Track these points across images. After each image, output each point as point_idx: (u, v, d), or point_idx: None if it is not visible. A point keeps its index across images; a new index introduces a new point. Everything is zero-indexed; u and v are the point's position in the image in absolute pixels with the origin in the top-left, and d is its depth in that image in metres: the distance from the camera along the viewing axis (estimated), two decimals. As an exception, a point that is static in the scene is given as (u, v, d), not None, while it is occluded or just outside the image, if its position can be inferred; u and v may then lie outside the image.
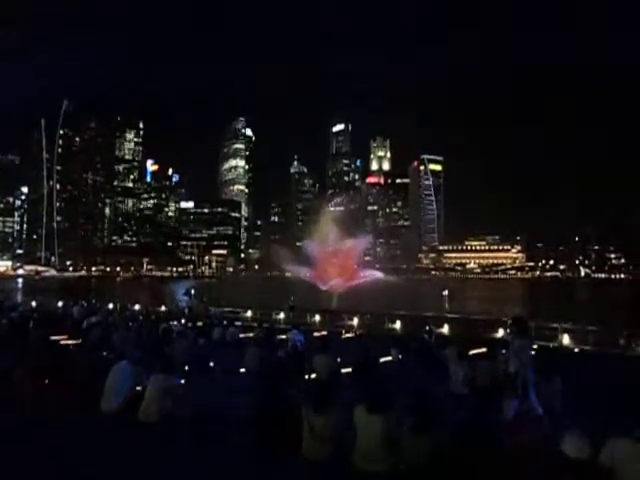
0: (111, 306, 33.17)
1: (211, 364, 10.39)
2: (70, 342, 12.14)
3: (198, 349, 12.19)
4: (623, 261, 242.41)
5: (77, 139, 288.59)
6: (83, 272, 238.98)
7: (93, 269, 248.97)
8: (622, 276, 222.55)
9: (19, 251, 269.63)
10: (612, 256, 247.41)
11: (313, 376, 9.89)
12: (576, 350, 17.81)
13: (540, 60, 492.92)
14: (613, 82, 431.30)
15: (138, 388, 7.21)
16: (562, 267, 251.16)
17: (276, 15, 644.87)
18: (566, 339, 18.86)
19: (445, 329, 22.51)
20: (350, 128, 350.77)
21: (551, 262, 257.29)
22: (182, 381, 7.26)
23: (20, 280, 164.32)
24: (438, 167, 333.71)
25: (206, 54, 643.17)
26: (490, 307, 53.72)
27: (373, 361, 11.11)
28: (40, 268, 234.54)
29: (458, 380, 9.57)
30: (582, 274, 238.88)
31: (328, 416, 5.54)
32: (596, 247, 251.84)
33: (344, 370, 10.50)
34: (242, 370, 10.76)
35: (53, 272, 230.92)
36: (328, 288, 47.29)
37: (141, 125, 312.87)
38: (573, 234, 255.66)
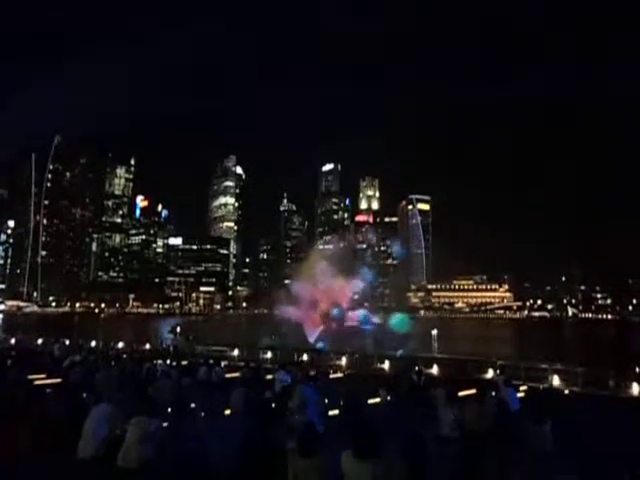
0: (94, 344, 32.44)
1: (195, 406, 10.10)
2: (49, 382, 11.75)
3: (182, 390, 11.85)
4: (609, 301, 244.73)
5: (67, 174, 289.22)
6: (67, 308, 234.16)
7: (77, 305, 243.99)
8: (609, 317, 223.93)
9: (2, 286, 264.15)
10: (598, 296, 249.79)
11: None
12: (566, 392, 17.70)
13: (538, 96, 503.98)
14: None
15: (117, 432, 6.94)
16: (550, 307, 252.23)
17: (268, 52, 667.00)
18: (556, 380, 18.78)
19: (434, 370, 22.31)
20: (339, 167, 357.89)
21: (539, 302, 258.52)
22: (164, 424, 7.01)
23: (0, 316, 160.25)
24: (426, 206, 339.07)
25: (199, 92, 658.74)
26: (480, 347, 53.38)
27: (361, 404, 10.89)
28: (22, 304, 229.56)
29: (448, 423, 9.37)
30: (570, 314, 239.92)
31: (314, 460, 5.35)
32: (582, 287, 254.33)
33: (331, 412, 10.26)
34: (227, 412, 10.46)
35: (35, 308, 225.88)
36: (316, 336, 46.15)
37: (132, 161, 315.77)
38: (560, 274, 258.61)
